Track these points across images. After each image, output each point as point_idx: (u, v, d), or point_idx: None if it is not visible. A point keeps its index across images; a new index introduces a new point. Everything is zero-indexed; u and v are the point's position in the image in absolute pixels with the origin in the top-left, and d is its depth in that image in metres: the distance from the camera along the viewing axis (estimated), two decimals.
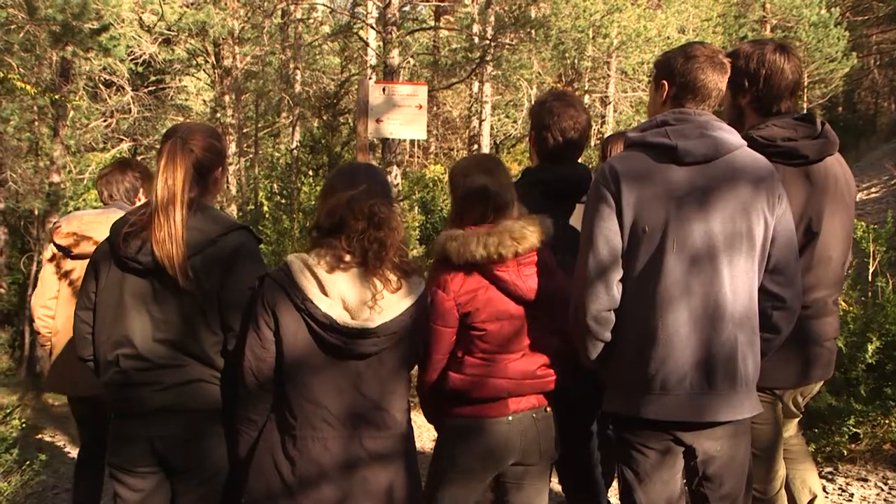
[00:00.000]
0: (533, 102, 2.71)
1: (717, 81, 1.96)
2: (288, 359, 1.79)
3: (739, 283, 1.87)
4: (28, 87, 5.25)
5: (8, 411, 6.18)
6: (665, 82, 2.02)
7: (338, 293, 1.75)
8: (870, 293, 4.01)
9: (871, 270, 4.04)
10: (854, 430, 3.63)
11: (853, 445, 3.68)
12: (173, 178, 1.91)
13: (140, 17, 8.60)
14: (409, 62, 14.17)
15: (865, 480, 3.51)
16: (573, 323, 2.00)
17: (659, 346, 1.86)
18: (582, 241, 1.97)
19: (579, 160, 2.46)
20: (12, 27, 6.83)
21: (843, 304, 3.91)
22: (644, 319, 1.88)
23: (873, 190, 10.79)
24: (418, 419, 2.60)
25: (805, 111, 2.28)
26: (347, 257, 1.77)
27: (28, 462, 3.96)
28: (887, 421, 3.63)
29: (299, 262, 1.79)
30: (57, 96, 7.03)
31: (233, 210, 14.13)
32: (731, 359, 1.86)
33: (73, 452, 5.96)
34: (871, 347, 3.56)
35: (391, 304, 1.78)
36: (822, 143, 2.14)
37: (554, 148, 2.37)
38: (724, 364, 1.86)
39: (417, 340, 1.95)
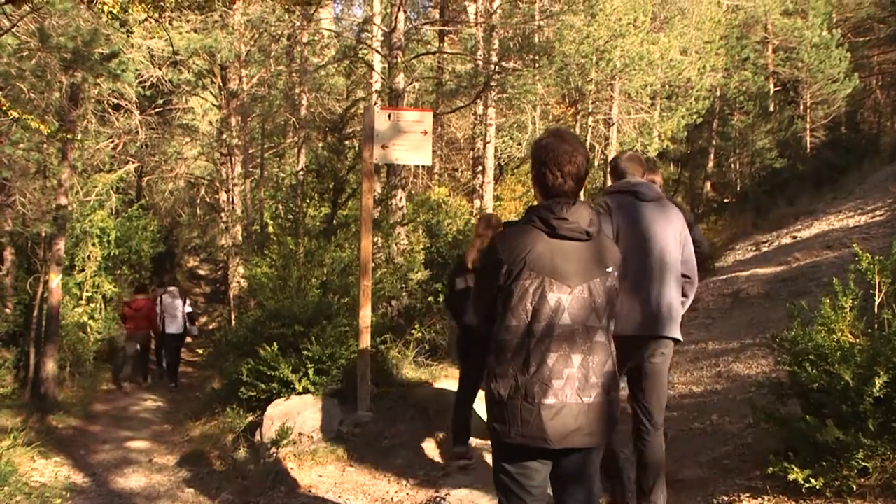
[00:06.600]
0: (534, 138, 2.78)
1: (629, 166, 3.69)
2: None
3: (674, 267, 3.45)
4: (42, 126, 5.31)
5: (13, 435, 6.16)
6: (611, 175, 3.83)
7: None
8: (875, 325, 3.99)
9: (877, 302, 4.03)
10: (863, 464, 3.60)
11: (862, 480, 3.65)
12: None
13: (150, 49, 8.72)
14: (413, 86, 14.29)
15: None
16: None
17: (641, 295, 3.41)
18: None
19: (582, 192, 2.50)
20: (25, 54, 6.93)
21: (850, 336, 3.89)
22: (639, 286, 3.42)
23: (878, 213, 10.60)
24: None
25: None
26: None
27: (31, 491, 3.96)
28: None
29: None
30: (69, 136, 7.12)
31: (238, 231, 14.18)
32: (671, 308, 3.44)
33: (76, 476, 5.91)
34: (878, 381, 3.54)
35: None
36: None
37: (553, 184, 2.41)
38: (667, 311, 3.42)
39: None
